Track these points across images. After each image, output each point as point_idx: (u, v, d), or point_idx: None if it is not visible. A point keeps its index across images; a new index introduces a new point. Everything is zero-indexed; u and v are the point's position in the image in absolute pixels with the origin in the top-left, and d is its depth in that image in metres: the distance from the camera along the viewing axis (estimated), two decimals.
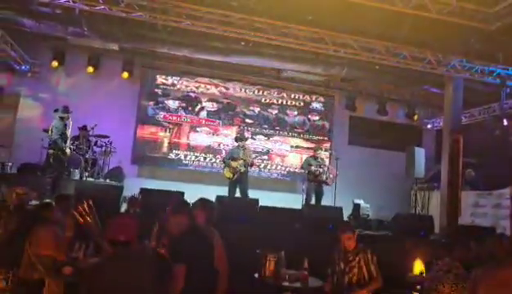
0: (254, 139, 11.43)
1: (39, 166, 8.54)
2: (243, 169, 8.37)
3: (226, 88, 11.52)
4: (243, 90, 11.63)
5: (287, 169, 11.64)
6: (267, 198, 7.23)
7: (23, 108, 10.26)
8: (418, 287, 4.47)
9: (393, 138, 11.96)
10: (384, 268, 4.31)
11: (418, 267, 4.68)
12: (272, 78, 11.57)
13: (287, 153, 11.74)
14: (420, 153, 10.42)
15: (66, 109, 7.99)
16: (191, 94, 11.32)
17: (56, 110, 8.01)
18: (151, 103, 11.08)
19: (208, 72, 11.26)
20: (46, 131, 8.54)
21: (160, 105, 11.10)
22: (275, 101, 11.79)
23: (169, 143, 11.06)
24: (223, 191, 8.13)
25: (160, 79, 11.19)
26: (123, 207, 6.61)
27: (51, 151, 7.48)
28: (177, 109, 11.20)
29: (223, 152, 10.49)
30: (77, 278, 3.55)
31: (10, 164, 8.48)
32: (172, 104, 11.18)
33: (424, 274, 4.47)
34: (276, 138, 11.71)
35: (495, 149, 9.70)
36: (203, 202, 3.80)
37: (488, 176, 9.64)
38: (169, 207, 3.45)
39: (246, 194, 8.32)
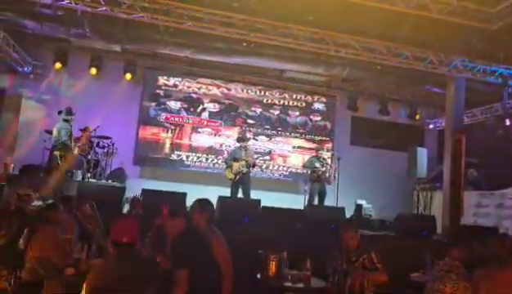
0: (256, 139, 11.43)
1: (42, 167, 8.57)
2: (245, 170, 8.38)
3: (228, 89, 11.53)
4: (245, 90, 11.63)
5: (289, 169, 11.64)
6: (269, 199, 7.24)
7: (25, 109, 10.29)
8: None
9: (395, 138, 11.94)
10: (386, 268, 4.30)
11: None
12: (274, 79, 11.58)
13: (289, 153, 11.73)
14: (422, 154, 10.42)
15: (70, 111, 8.02)
16: (193, 95, 11.33)
17: (59, 112, 8.02)
18: (153, 104, 11.09)
19: (210, 73, 11.27)
20: (48, 132, 8.57)
21: (162, 106, 11.12)
22: (277, 102, 11.80)
23: (171, 144, 11.06)
24: (225, 192, 8.13)
25: (162, 80, 11.20)
26: (126, 208, 6.63)
27: (57, 152, 7.48)
28: (179, 110, 11.21)
29: (225, 153, 10.52)
30: (79, 279, 3.56)
31: (12, 165, 8.51)
32: (174, 105, 11.19)
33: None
34: (277, 138, 11.71)
35: (497, 149, 9.67)
36: (201, 203, 3.75)
37: (491, 176, 9.62)
38: (164, 211, 3.41)
39: (248, 195, 8.33)
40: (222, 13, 7.75)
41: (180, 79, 11.28)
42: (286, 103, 11.85)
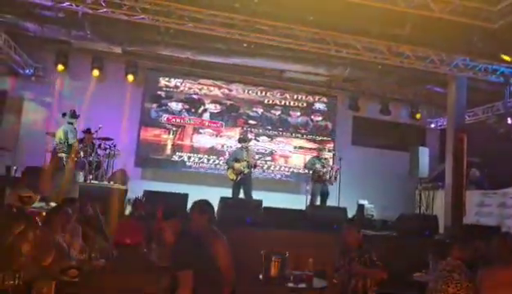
0: (258, 140, 11.43)
1: (44, 169, 8.57)
2: (246, 170, 8.38)
3: (229, 90, 11.53)
4: (246, 91, 11.64)
5: (290, 170, 11.64)
6: (271, 199, 7.25)
7: (27, 111, 10.31)
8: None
9: (397, 138, 11.94)
10: (388, 268, 4.30)
11: None
12: (275, 79, 11.57)
13: (290, 153, 11.73)
14: (424, 153, 10.41)
15: (74, 114, 8.03)
16: (194, 96, 11.33)
17: (63, 115, 8.03)
18: (154, 105, 11.10)
19: (211, 73, 11.28)
20: (50, 134, 8.57)
21: (163, 107, 11.12)
22: (278, 102, 11.80)
23: (173, 145, 11.07)
24: (227, 192, 8.13)
25: (163, 81, 11.21)
26: (128, 210, 6.64)
27: (63, 154, 7.49)
28: (181, 111, 11.22)
29: (227, 153, 10.52)
30: (82, 280, 3.56)
31: (14, 167, 8.52)
32: (175, 106, 11.20)
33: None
34: (279, 139, 11.70)
35: (499, 148, 9.64)
36: (201, 204, 3.74)
37: (493, 175, 9.61)
38: (159, 214, 3.38)
39: (250, 196, 8.33)
40: (223, 14, 7.75)
41: (181, 80, 11.29)
42: (287, 103, 11.85)
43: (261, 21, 7.87)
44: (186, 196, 6.26)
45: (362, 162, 11.10)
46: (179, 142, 11.11)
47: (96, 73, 10.47)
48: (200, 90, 11.37)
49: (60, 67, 10.24)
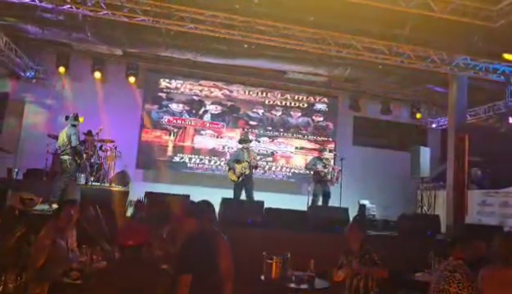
0: (258, 141, 11.44)
1: (46, 171, 8.59)
2: (248, 171, 8.37)
3: (230, 91, 11.54)
4: (246, 92, 11.65)
5: (292, 170, 11.64)
6: (273, 200, 7.24)
7: (28, 114, 10.33)
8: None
9: (398, 138, 11.95)
10: (389, 268, 4.29)
11: None
12: (275, 80, 11.58)
13: (291, 154, 11.73)
14: (426, 153, 10.39)
15: (77, 117, 8.03)
16: (195, 97, 11.35)
17: (66, 117, 8.04)
18: (155, 107, 11.12)
19: (212, 75, 11.30)
20: (51, 136, 8.59)
21: (164, 109, 11.14)
22: (278, 103, 11.81)
23: (174, 146, 11.08)
24: (228, 193, 8.13)
25: (164, 83, 11.23)
26: (130, 212, 6.64)
27: (66, 157, 7.50)
28: (181, 113, 11.23)
29: (228, 154, 10.52)
30: (83, 282, 3.57)
31: (16, 170, 8.53)
32: (176, 107, 11.22)
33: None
34: (280, 140, 11.71)
35: (500, 147, 9.63)
36: (199, 205, 3.68)
37: (494, 175, 9.60)
38: (180, 210, 3.37)
39: (252, 196, 8.32)
40: (223, 15, 7.77)
41: (182, 82, 11.31)
42: (288, 104, 11.86)
43: (261, 22, 7.88)
44: (187, 197, 6.26)
45: (363, 162, 11.10)
46: (180, 143, 11.12)
47: (97, 75, 10.52)
48: (201, 91, 11.38)
49: (61, 69, 10.29)
